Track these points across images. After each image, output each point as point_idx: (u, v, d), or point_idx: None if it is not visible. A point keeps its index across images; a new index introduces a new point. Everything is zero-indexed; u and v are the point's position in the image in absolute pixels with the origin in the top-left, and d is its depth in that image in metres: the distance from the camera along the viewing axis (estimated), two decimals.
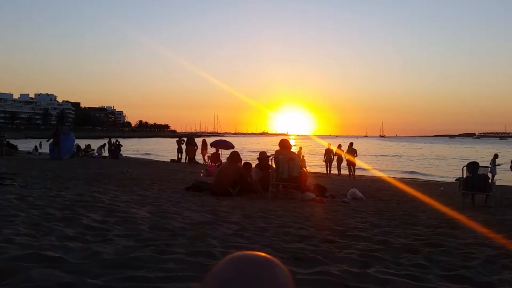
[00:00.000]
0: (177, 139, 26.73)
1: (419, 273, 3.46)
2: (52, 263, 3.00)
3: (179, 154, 25.62)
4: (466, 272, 3.53)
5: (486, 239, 5.19)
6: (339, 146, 22.05)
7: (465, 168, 9.75)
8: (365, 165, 22.77)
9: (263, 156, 10.75)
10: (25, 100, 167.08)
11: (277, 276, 0.69)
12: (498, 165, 19.13)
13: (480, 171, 9.52)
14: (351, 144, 21.36)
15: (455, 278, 3.37)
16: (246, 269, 0.69)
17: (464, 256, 4.18)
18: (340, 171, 21.95)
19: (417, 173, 28.28)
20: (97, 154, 26.25)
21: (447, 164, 38.57)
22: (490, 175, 9.93)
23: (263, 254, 0.73)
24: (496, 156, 19.15)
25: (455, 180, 15.51)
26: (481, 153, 52.45)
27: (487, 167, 9.67)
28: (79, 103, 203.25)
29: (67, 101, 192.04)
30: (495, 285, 3.20)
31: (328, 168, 22.00)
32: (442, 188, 15.60)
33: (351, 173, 21.14)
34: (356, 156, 21.43)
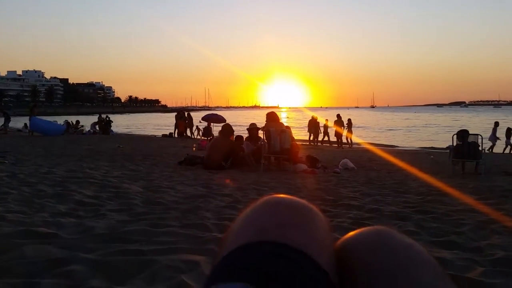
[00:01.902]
0: (176, 113, 26.65)
1: None
2: (44, 239, 3.00)
3: (176, 129, 25.59)
4: (456, 238, 3.59)
5: (475, 205, 5.27)
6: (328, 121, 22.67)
7: (455, 136, 9.81)
8: (355, 138, 23.04)
9: (252, 127, 10.74)
10: (12, 77, 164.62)
11: (317, 225, 0.63)
12: (498, 138, 19.00)
13: (470, 139, 9.59)
14: (338, 115, 21.90)
15: (445, 243, 3.43)
16: (285, 217, 0.61)
17: (454, 222, 4.25)
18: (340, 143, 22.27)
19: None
20: (91, 131, 26.10)
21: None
22: (488, 144, 9.85)
23: (303, 200, 0.66)
24: (496, 124, 19.04)
25: (445, 148, 15.63)
26: (462, 122, 53.23)
27: (477, 134, 9.73)
28: (67, 79, 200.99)
29: (55, 78, 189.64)
30: (484, 250, 3.26)
31: (315, 138, 22.43)
32: (432, 156, 15.74)
33: (339, 144, 21.95)
34: (346, 128, 21.94)
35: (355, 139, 23.47)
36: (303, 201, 0.66)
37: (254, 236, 0.58)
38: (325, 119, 23.12)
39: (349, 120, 22.51)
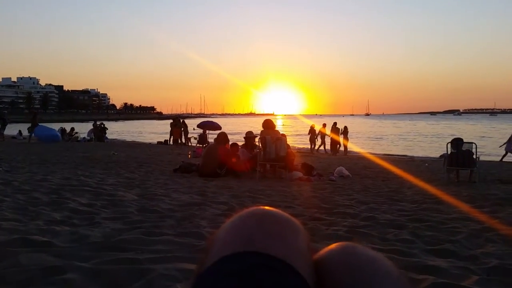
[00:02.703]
0: (171, 121, 26.58)
1: (405, 248, 3.52)
2: (39, 247, 2.99)
3: (171, 136, 25.51)
4: (451, 246, 3.61)
5: (470, 213, 5.29)
6: (324, 125, 22.73)
7: (449, 144, 9.86)
8: (351, 145, 23.15)
9: (249, 136, 10.77)
10: (7, 84, 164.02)
11: (299, 237, 0.65)
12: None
13: (464, 147, 9.64)
14: (335, 123, 22.07)
15: (440, 252, 3.44)
16: (270, 229, 0.63)
17: (449, 231, 4.26)
18: (335, 150, 22.37)
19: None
20: (88, 138, 26.05)
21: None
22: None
23: (286, 214, 0.68)
24: None
25: (440, 156, 15.69)
26: (453, 131, 53.74)
27: (471, 143, 9.78)
28: (62, 86, 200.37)
29: (50, 84, 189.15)
30: (479, 258, 3.27)
31: (313, 145, 22.61)
32: (427, 164, 15.79)
33: (332, 151, 22.19)
34: (343, 135, 22.15)
35: (350, 146, 23.55)
36: (286, 214, 0.68)
37: (239, 246, 0.60)
38: (322, 123, 23.27)
39: (345, 127, 22.67)
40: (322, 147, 23.10)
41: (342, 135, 22.48)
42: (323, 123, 23.20)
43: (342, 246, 0.68)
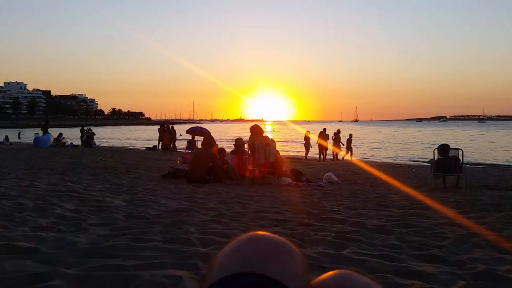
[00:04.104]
0: (159, 126, 26.49)
1: (392, 253, 3.53)
2: (25, 253, 2.95)
3: (159, 142, 25.45)
4: (438, 252, 3.63)
5: (457, 219, 5.34)
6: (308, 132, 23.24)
7: (436, 150, 9.95)
8: (337, 150, 23.29)
9: (239, 143, 10.76)
10: None
11: (295, 260, 0.66)
12: None
13: (451, 153, 9.73)
14: (324, 129, 22.26)
15: (427, 257, 3.46)
16: (267, 251, 0.64)
17: (436, 236, 4.29)
18: (324, 156, 22.55)
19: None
20: (84, 139, 26.25)
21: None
22: None
23: (283, 238, 0.70)
24: None
25: (427, 162, 15.83)
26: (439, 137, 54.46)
27: (458, 149, 9.89)
28: (49, 91, 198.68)
29: (38, 90, 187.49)
30: (466, 263, 3.30)
31: (307, 152, 22.96)
32: (414, 170, 15.92)
33: (321, 157, 22.40)
34: (333, 140, 22.37)
35: (339, 152, 23.66)
36: (283, 238, 0.70)
37: (236, 268, 0.61)
38: (306, 130, 23.61)
39: (335, 133, 22.71)
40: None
41: (333, 142, 22.66)
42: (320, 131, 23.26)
43: (339, 273, 0.70)
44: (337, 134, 22.68)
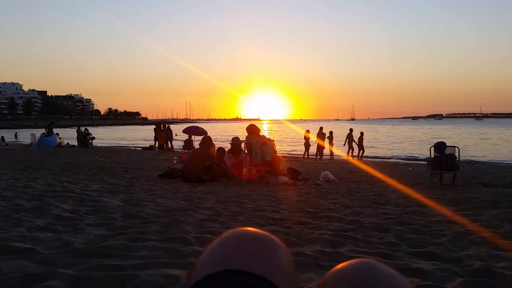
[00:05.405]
0: (155, 126, 26.47)
1: (389, 250, 3.54)
2: (22, 254, 2.94)
3: (156, 142, 25.44)
4: (435, 249, 3.64)
5: (454, 216, 5.35)
6: (308, 131, 23.11)
7: (432, 148, 9.97)
8: (335, 149, 23.32)
9: (236, 143, 10.75)
10: None
11: (280, 255, 0.66)
12: None
13: (448, 151, 9.76)
14: (321, 128, 22.39)
15: (424, 254, 3.47)
16: (250, 247, 0.65)
17: (433, 233, 4.31)
18: (321, 155, 22.59)
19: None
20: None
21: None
22: None
23: (266, 232, 0.69)
24: None
25: (424, 160, 15.87)
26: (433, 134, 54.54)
27: (454, 146, 9.91)
28: (45, 92, 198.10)
29: (34, 90, 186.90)
30: (462, 260, 3.31)
31: (306, 151, 23.23)
32: (410, 168, 15.95)
33: (317, 156, 22.37)
34: (329, 139, 22.38)
35: (335, 151, 23.69)
36: (266, 232, 0.69)
37: (219, 266, 0.61)
38: (305, 130, 23.57)
39: (331, 132, 22.85)
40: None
41: (328, 140, 22.69)
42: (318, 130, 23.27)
43: (362, 261, 0.68)
44: (331, 134, 22.71)
